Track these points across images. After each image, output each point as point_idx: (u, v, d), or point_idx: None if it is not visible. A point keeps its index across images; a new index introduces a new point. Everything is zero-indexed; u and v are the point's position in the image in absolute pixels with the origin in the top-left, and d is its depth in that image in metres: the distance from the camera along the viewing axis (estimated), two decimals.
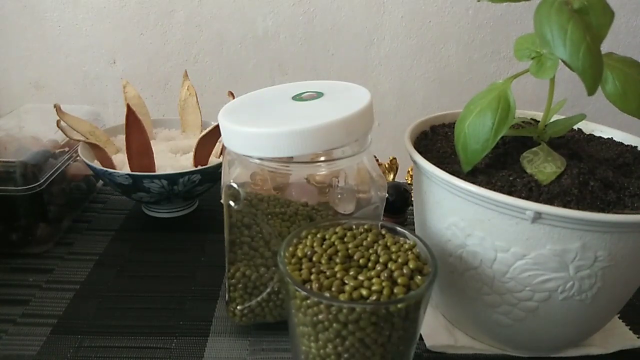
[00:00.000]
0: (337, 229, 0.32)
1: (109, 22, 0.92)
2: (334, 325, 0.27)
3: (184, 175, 0.49)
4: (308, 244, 0.31)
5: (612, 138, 0.41)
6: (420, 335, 0.38)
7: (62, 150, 0.51)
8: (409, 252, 0.30)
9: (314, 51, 0.96)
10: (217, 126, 0.38)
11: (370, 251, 0.30)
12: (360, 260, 0.29)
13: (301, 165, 0.34)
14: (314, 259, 0.30)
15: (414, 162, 0.36)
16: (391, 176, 0.58)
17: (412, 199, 0.51)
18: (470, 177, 0.33)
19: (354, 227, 0.33)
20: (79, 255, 0.48)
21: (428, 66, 0.98)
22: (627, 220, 0.28)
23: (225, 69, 0.96)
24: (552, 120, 0.38)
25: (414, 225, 0.41)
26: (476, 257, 0.33)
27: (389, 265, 0.29)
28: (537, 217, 0.29)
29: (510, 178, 0.32)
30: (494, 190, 0.30)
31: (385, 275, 0.28)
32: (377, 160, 0.53)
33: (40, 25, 0.92)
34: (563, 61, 0.27)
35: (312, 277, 0.28)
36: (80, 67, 0.96)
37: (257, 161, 0.33)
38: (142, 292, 0.43)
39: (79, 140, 0.51)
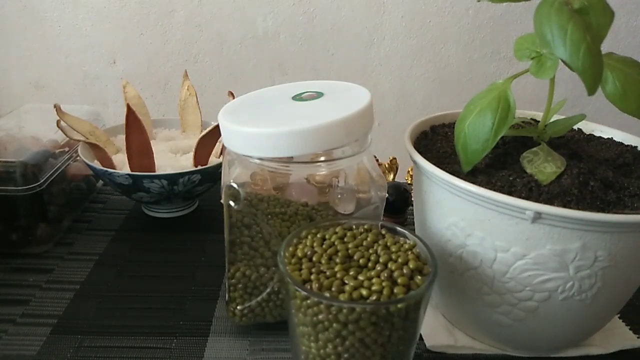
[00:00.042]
0: (337, 229, 0.32)
1: (109, 22, 0.92)
2: (334, 325, 0.27)
3: (184, 175, 0.49)
4: (308, 244, 0.31)
5: (612, 138, 0.41)
6: (420, 335, 0.38)
7: (62, 150, 0.51)
8: (409, 252, 0.30)
9: (314, 51, 0.96)
10: (217, 126, 0.38)
11: (370, 251, 0.30)
12: (360, 260, 0.29)
13: (301, 165, 0.34)
14: (314, 259, 0.30)
15: (414, 162, 0.36)
16: (391, 176, 0.58)
17: (412, 199, 0.51)
18: (470, 177, 0.33)
19: (354, 227, 0.33)
20: (79, 255, 0.48)
21: (428, 66, 0.98)
22: (627, 220, 0.28)
23: (225, 69, 0.96)
24: (552, 120, 0.38)
25: (414, 225, 0.41)
26: (476, 257, 0.33)
27: (389, 265, 0.29)
28: (537, 217, 0.29)
29: (510, 178, 0.32)
30: (494, 190, 0.30)
31: (385, 275, 0.28)
32: (377, 160, 0.53)
33: (40, 25, 0.92)
34: (563, 61, 0.27)
35: (312, 277, 0.28)
36: (80, 67, 0.96)
37: (257, 161, 0.33)
38: (142, 292, 0.43)
39: (79, 140, 0.51)
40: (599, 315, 0.34)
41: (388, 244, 0.31)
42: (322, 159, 0.34)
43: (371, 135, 0.36)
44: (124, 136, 0.49)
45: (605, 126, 0.42)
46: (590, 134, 0.42)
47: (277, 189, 0.36)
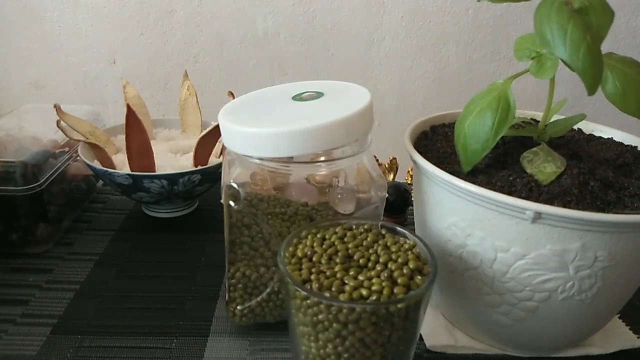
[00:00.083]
0: (337, 229, 0.32)
1: (109, 22, 0.92)
2: (334, 325, 0.27)
3: (184, 175, 0.49)
4: (308, 244, 0.31)
5: (612, 138, 0.41)
6: (420, 335, 0.38)
7: (62, 150, 0.51)
8: (409, 252, 0.30)
9: (314, 51, 0.96)
10: (217, 126, 0.38)
11: (370, 251, 0.30)
12: (360, 260, 0.29)
13: (301, 165, 0.34)
14: (314, 259, 0.30)
15: (414, 162, 0.36)
16: (391, 176, 0.58)
17: (412, 199, 0.51)
18: (470, 177, 0.33)
19: (354, 227, 0.33)
20: (79, 255, 0.48)
21: (428, 66, 0.98)
22: (627, 220, 0.28)
23: (225, 69, 0.96)
24: (552, 120, 0.38)
25: (414, 225, 0.41)
26: (476, 257, 0.33)
27: (389, 265, 0.29)
28: (537, 217, 0.29)
29: (510, 178, 0.32)
30: (494, 190, 0.30)
31: (385, 275, 0.28)
32: (377, 160, 0.53)
33: (40, 25, 0.92)
34: (563, 61, 0.27)
35: (312, 277, 0.28)
36: (80, 67, 0.96)
37: (257, 161, 0.33)
38: (142, 292, 0.43)
39: (79, 140, 0.51)
40: (599, 315, 0.34)
41: (388, 244, 0.31)
42: (322, 159, 0.34)
43: (371, 135, 0.36)
44: (124, 136, 0.49)
45: (605, 126, 0.42)
46: (590, 134, 0.42)
47: (277, 189, 0.36)
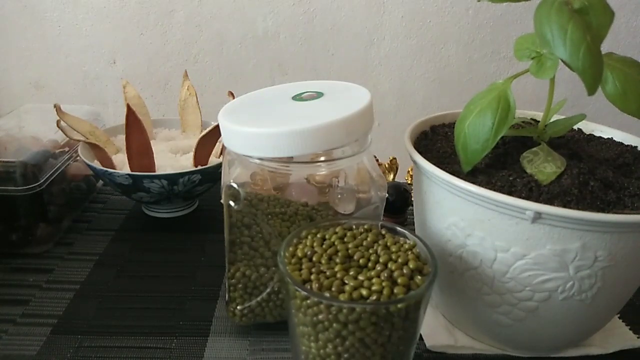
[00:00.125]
0: (337, 229, 0.32)
1: (109, 22, 0.92)
2: (334, 325, 0.27)
3: (184, 175, 0.49)
4: (308, 244, 0.31)
5: (612, 138, 0.41)
6: (420, 335, 0.38)
7: (62, 150, 0.51)
8: (409, 252, 0.30)
9: (314, 51, 0.96)
10: (217, 126, 0.38)
11: (370, 251, 0.30)
12: (360, 260, 0.29)
13: (301, 165, 0.34)
14: (314, 259, 0.30)
15: (414, 162, 0.36)
16: (391, 176, 0.58)
17: (412, 199, 0.51)
18: (470, 177, 0.33)
19: (354, 227, 0.33)
20: (79, 255, 0.48)
21: (428, 66, 0.98)
22: (627, 220, 0.28)
23: (225, 69, 0.96)
24: (552, 120, 0.38)
25: (414, 225, 0.41)
26: (476, 257, 0.33)
27: (389, 265, 0.29)
28: (537, 217, 0.29)
29: (510, 178, 0.32)
30: (494, 190, 0.30)
31: (385, 275, 0.28)
32: (377, 160, 0.53)
33: (40, 25, 0.92)
34: (563, 61, 0.27)
35: (312, 277, 0.28)
36: (80, 67, 0.96)
37: (257, 161, 0.33)
38: (142, 292, 0.43)
39: (79, 140, 0.51)
40: (599, 315, 0.34)
41: (388, 244, 0.31)
42: (322, 159, 0.34)
43: (371, 135, 0.36)
44: (124, 136, 0.49)
45: (605, 126, 0.42)
46: (590, 134, 0.42)
47: (277, 189, 0.36)
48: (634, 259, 0.30)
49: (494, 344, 0.37)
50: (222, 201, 0.35)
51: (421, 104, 1.01)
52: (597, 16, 0.28)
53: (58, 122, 0.49)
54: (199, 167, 0.50)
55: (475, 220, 0.32)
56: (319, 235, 0.31)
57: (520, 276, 0.31)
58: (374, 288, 0.27)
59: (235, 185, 0.34)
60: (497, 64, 0.98)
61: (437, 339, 0.38)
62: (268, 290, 0.37)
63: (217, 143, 0.54)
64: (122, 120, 0.50)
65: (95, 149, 0.51)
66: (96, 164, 0.51)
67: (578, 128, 0.43)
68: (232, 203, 0.34)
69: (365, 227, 0.32)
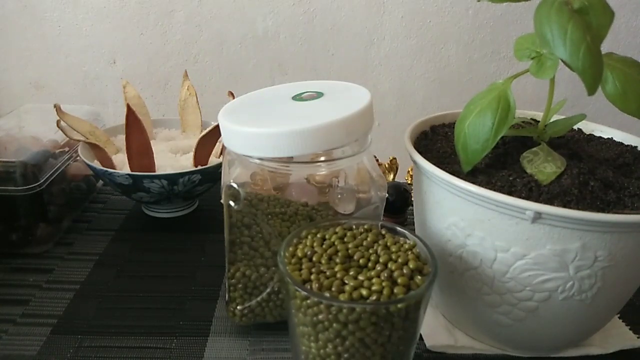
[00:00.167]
0: (337, 229, 0.32)
1: (109, 22, 0.92)
2: (334, 325, 0.27)
3: (184, 175, 0.49)
4: (308, 244, 0.31)
5: (612, 138, 0.41)
6: (420, 335, 0.38)
7: (62, 150, 0.51)
8: (409, 252, 0.30)
9: (314, 51, 0.96)
10: (217, 126, 0.38)
11: (370, 251, 0.30)
12: (360, 260, 0.29)
13: (301, 165, 0.34)
14: (314, 259, 0.30)
15: (414, 162, 0.36)
16: (391, 176, 0.58)
17: (412, 199, 0.51)
18: (470, 177, 0.33)
19: (354, 227, 0.33)
20: (79, 255, 0.48)
21: (428, 66, 0.98)
22: (627, 220, 0.28)
23: (225, 69, 0.96)
24: (552, 120, 0.38)
25: (414, 225, 0.41)
26: (476, 257, 0.33)
27: (389, 265, 0.29)
28: (537, 217, 0.29)
29: (510, 178, 0.32)
30: (494, 190, 0.30)
31: (385, 275, 0.28)
32: (377, 160, 0.53)
33: (40, 25, 0.92)
34: (563, 61, 0.27)
35: (312, 277, 0.28)
36: (80, 67, 0.96)
37: (257, 161, 0.33)
38: (142, 292, 0.43)
39: (79, 140, 0.51)
40: (599, 315, 0.34)
41: (388, 244, 0.31)
42: (322, 159, 0.34)
43: (371, 135, 0.36)
44: (124, 136, 0.49)
45: (605, 126, 0.42)
46: (590, 134, 0.42)
47: (277, 189, 0.36)
48: (634, 259, 0.30)
49: (494, 344, 0.37)
50: (222, 201, 0.35)
51: (421, 104, 1.01)
52: (597, 16, 0.28)
53: (58, 122, 0.49)
54: (199, 167, 0.50)
55: (475, 220, 0.32)
56: (319, 235, 0.31)
57: (520, 276, 0.31)
58: (374, 288, 0.27)
59: (235, 185, 0.34)
60: (497, 64, 0.98)
61: (437, 339, 0.38)
62: (268, 290, 0.37)
63: (217, 143, 0.54)
64: (122, 120, 0.50)
65: (95, 149, 0.51)
66: (96, 164, 0.51)
67: (578, 128, 0.43)
68: (232, 203, 0.34)
69: (365, 227, 0.32)
